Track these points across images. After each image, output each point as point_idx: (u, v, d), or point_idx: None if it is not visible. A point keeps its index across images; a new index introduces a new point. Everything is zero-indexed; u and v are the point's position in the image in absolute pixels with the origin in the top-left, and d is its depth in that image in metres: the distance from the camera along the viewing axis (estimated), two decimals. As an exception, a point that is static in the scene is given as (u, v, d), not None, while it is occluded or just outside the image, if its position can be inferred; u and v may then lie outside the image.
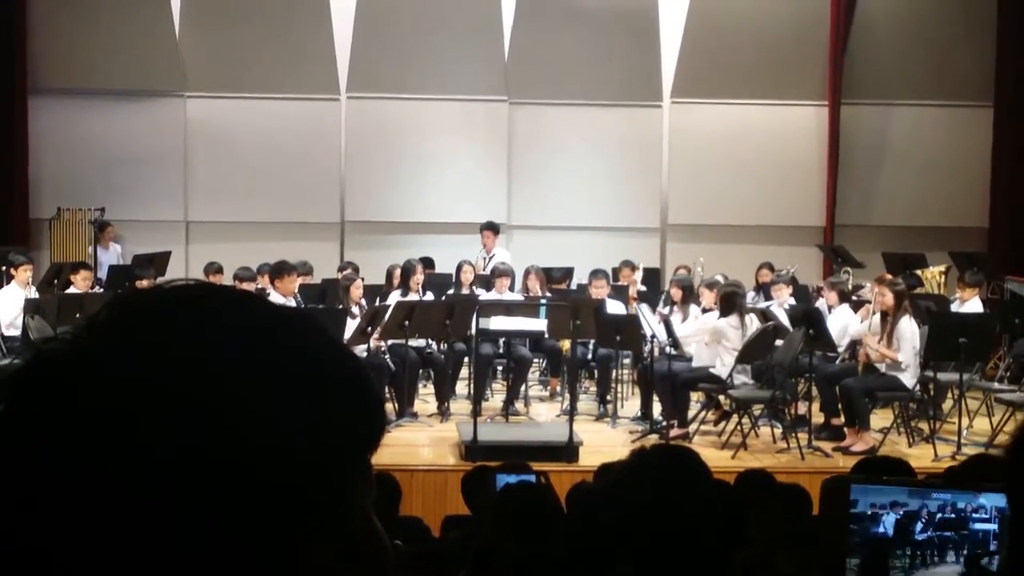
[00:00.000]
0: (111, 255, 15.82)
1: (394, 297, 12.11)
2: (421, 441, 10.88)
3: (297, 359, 0.83)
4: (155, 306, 0.84)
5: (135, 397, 0.78)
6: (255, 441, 0.79)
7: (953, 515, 2.76)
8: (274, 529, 0.79)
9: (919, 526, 2.79)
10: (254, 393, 0.80)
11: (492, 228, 15.06)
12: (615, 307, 12.28)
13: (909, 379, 10.73)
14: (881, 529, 2.77)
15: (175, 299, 0.85)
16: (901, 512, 2.77)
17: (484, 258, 14.69)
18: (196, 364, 0.79)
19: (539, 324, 11.73)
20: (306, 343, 0.85)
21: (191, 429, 0.77)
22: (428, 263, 14.17)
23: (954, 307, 12.47)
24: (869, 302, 11.64)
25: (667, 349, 11.20)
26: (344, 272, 13.27)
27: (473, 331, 11.29)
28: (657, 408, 11.43)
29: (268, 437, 0.79)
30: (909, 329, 10.68)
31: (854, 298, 12.63)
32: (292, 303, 11.57)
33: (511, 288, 13.03)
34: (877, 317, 10.93)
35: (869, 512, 2.77)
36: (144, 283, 13.27)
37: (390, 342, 11.53)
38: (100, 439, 0.77)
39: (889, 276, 11.99)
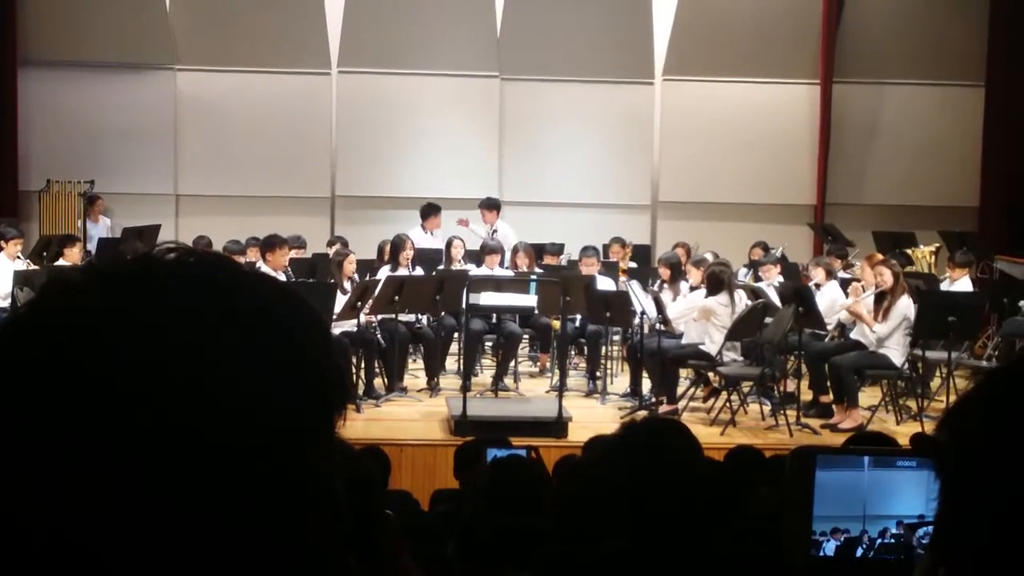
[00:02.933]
0: (100, 228, 15.77)
1: (383, 272, 12.09)
2: (410, 416, 10.88)
3: (264, 326, 0.83)
4: (120, 275, 0.83)
5: (95, 368, 0.77)
6: (221, 407, 0.78)
7: (893, 540, 2.75)
8: (234, 493, 0.79)
9: (860, 551, 2.78)
10: (218, 360, 0.79)
11: (488, 206, 14.95)
12: (605, 284, 12.28)
13: (898, 357, 10.76)
14: (822, 555, 2.76)
15: (134, 271, 0.84)
16: (842, 539, 2.76)
17: (489, 232, 14.52)
18: (160, 334, 0.79)
19: (529, 300, 11.72)
20: (272, 310, 0.84)
21: (157, 398, 0.77)
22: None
23: (944, 286, 12.50)
24: (858, 280, 11.67)
25: (657, 326, 11.21)
26: (334, 247, 13.25)
27: (463, 306, 11.29)
28: (646, 384, 11.45)
29: (232, 403, 0.79)
30: (906, 306, 10.72)
31: (846, 275, 12.65)
32: (282, 277, 11.56)
33: (501, 264, 13.02)
34: (871, 299, 10.94)
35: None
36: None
37: (380, 317, 11.52)
38: (62, 408, 0.77)
39: (879, 256, 12.02)
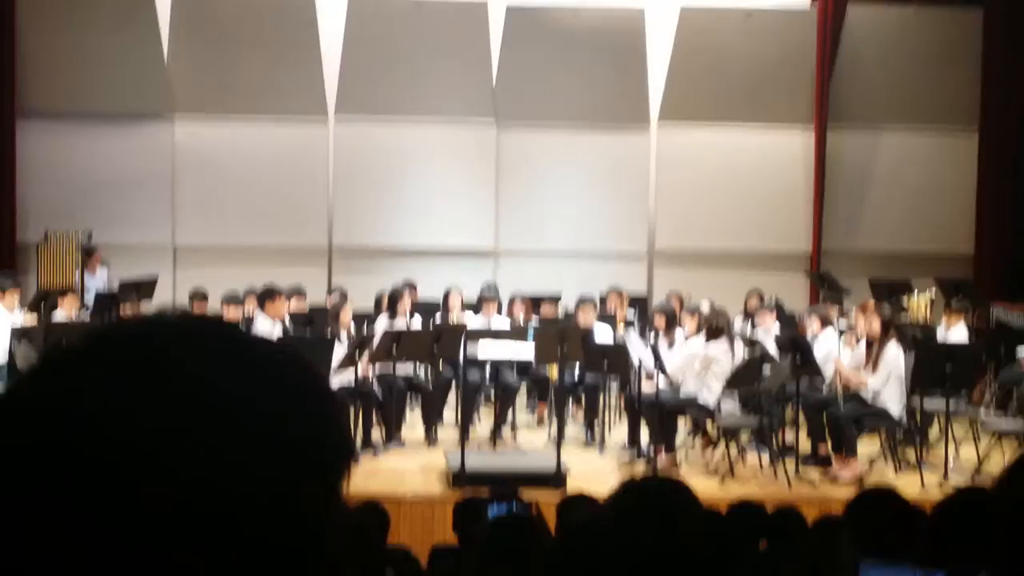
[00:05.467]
0: (99, 279, 15.76)
1: (381, 321, 12.09)
2: (408, 468, 10.84)
3: (265, 392, 0.83)
4: (122, 340, 0.84)
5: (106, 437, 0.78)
6: (219, 476, 0.78)
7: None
8: (240, 554, 0.79)
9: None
10: (218, 424, 0.80)
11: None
12: (603, 332, 12.25)
13: (895, 408, 10.73)
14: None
15: (136, 336, 0.85)
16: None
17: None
18: (165, 400, 0.79)
19: (527, 351, 11.67)
20: (273, 374, 0.85)
21: (158, 465, 0.77)
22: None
23: (940, 333, 12.50)
24: (852, 329, 11.66)
25: (655, 376, 11.18)
26: (332, 298, 13.26)
27: (461, 360, 11.27)
28: (645, 435, 11.41)
29: (232, 472, 0.79)
30: (895, 355, 10.69)
31: (843, 325, 12.63)
32: (279, 327, 11.59)
33: (499, 311, 13.03)
34: (862, 345, 10.94)
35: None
36: (128, 309, 13.35)
37: (379, 370, 11.50)
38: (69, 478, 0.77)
39: (872, 303, 12.01)
